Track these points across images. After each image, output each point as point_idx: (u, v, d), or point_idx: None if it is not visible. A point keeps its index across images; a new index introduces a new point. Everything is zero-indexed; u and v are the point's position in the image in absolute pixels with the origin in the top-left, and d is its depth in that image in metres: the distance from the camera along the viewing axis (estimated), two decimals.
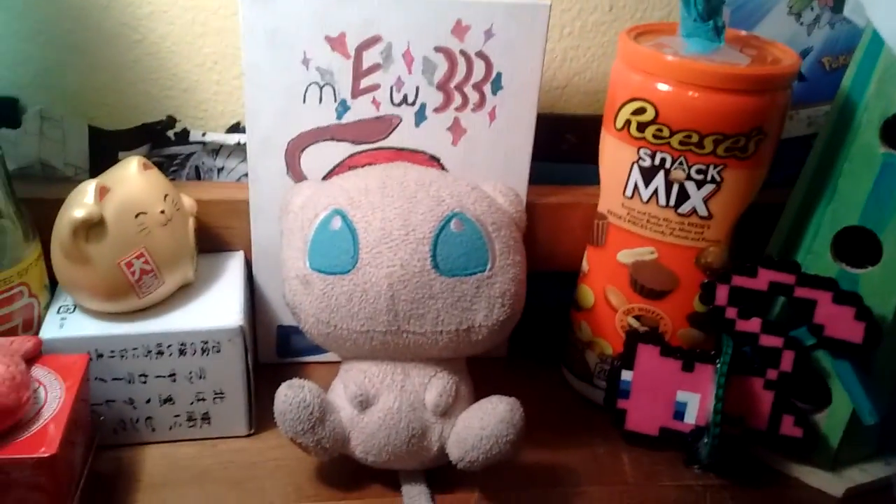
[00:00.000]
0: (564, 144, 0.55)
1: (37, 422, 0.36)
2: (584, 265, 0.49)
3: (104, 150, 0.45)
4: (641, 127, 0.42)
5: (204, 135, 0.51)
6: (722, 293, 0.44)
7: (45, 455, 0.34)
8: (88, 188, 0.39)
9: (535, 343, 0.55)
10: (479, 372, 0.44)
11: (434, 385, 0.42)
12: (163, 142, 0.51)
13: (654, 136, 0.42)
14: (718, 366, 0.44)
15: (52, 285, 0.44)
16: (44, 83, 0.48)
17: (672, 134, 0.41)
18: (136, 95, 0.50)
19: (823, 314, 0.43)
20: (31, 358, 0.39)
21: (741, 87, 0.39)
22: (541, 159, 0.54)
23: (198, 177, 0.52)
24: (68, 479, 0.37)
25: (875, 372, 0.44)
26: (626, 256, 0.46)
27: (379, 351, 0.41)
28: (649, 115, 0.41)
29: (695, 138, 0.41)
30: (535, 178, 0.53)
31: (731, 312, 0.44)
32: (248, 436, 0.46)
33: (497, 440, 0.40)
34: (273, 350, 0.52)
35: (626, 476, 0.46)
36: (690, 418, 0.46)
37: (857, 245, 0.43)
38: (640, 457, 0.48)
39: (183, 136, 0.51)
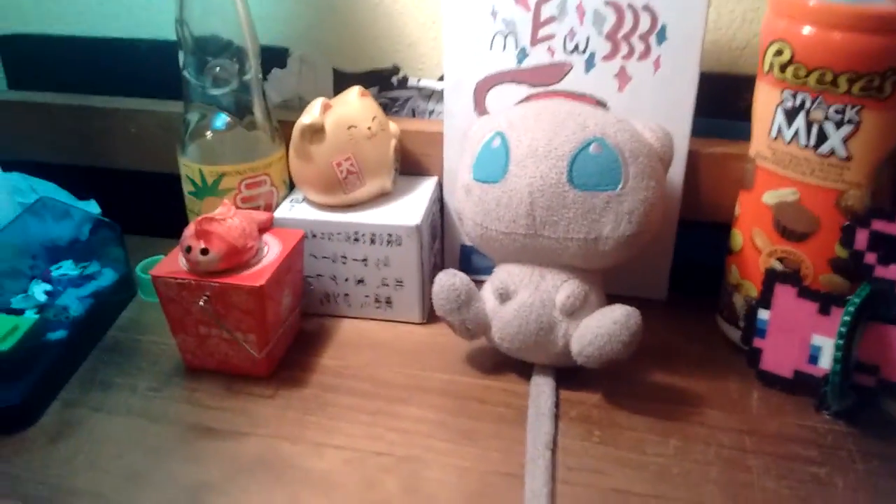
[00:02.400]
0: (742, 103, 0.57)
1: (257, 266, 0.48)
2: (737, 209, 0.52)
3: (344, 88, 0.58)
4: (783, 68, 0.44)
5: (419, 81, 0.62)
6: (861, 237, 0.45)
7: (256, 285, 0.46)
8: (316, 103, 0.52)
9: (697, 290, 0.58)
10: (637, 309, 0.47)
11: (564, 288, 0.48)
12: (388, 86, 0.63)
13: (794, 77, 0.44)
14: (846, 308, 0.44)
15: (292, 186, 0.58)
16: (306, 36, 0.63)
17: (808, 73, 0.43)
18: (372, 48, 0.62)
19: None
20: (265, 228, 0.52)
21: (870, 27, 0.40)
22: (719, 116, 0.58)
23: (413, 116, 0.64)
24: (275, 316, 0.49)
25: None
26: (770, 197, 0.48)
27: (521, 253, 0.48)
28: (787, 55, 0.44)
29: (829, 77, 0.42)
30: (713, 133, 0.56)
31: (870, 257, 0.45)
32: (421, 324, 0.56)
33: (610, 338, 0.45)
34: (456, 266, 0.61)
35: (752, 409, 0.48)
36: (825, 363, 0.47)
37: None
38: (771, 396, 0.49)
39: (403, 82, 0.62)
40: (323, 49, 0.63)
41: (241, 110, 0.54)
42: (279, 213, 0.55)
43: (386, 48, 0.62)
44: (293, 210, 0.55)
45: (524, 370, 0.50)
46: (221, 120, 0.53)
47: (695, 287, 0.58)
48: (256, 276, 0.47)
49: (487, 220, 0.48)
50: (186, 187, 0.55)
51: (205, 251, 0.46)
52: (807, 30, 0.43)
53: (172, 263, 0.49)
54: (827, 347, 0.47)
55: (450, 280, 0.48)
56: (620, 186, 0.46)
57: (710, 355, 0.53)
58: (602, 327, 0.45)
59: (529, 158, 0.47)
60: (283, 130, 0.56)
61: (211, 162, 0.53)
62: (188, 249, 0.47)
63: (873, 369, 0.45)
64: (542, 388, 0.48)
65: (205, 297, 0.47)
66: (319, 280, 0.56)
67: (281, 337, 0.51)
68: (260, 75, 0.54)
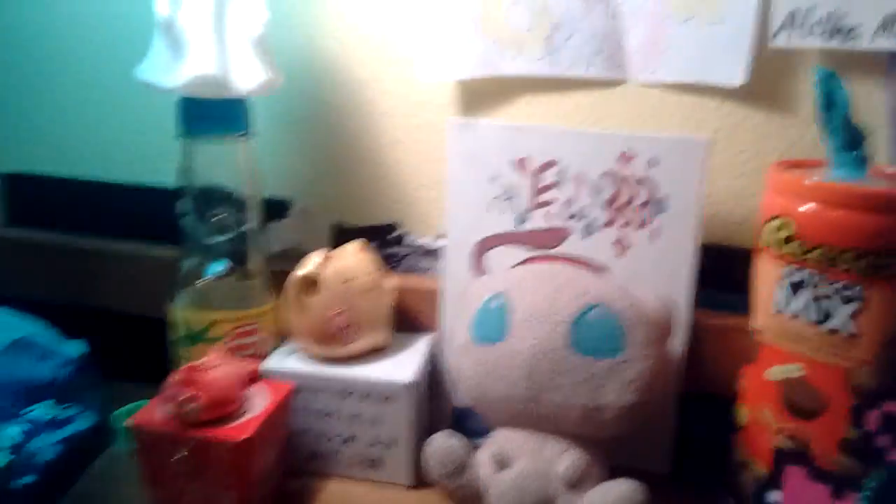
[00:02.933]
0: (741, 275, 0.58)
1: (242, 418, 0.46)
2: (741, 383, 0.51)
3: (343, 241, 0.58)
4: (783, 242, 0.45)
5: (416, 239, 0.62)
6: (872, 418, 0.44)
7: (240, 439, 0.44)
8: (315, 255, 0.52)
9: (702, 466, 0.56)
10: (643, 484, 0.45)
11: (566, 457, 0.46)
12: (386, 242, 0.63)
13: (795, 253, 0.44)
14: (862, 493, 0.42)
15: (284, 338, 0.56)
16: (309, 189, 0.64)
17: (810, 250, 0.44)
18: (373, 205, 0.63)
19: None
20: (253, 378, 0.50)
21: (871, 205, 0.42)
22: (720, 288, 0.58)
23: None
24: (259, 474, 0.46)
25: None
26: (775, 373, 0.47)
27: (519, 418, 0.47)
28: (789, 230, 0.44)
29: (832, 254, 0.43)
30: (715, 305, 0.56)
31: (882, 440, 0.43)
32: (410, 488, 0.53)
33: None
34: (448, 427, 0.59)
35: None
36: None
37: None
38: None
39: (400, 239, 0.63)
40: (325, 202, 0.64)
41: (236, 259, 0.53)
42: (269, 364, 0.53)
43: (387, 206, 0.63)
44: (284, 361, 0.53)
45: None
46: (217, 267, 0.53)
47: (699, 463, 0.56)
48: (241, 429, 0.45)
49: (486, 381, 0.47)
50: (174, 333, 0.54)
51: (189, 400, 0.44)
52: (804, 206, 0.44)
53: (153, 412, 0.46)
54: None
55: (446, 442, 0.46)
56: (622, 354, 0.45)
57: None
58: (607, 503, 0.43)
59: (530, 321, 0.46)
60: (277, 280, 0.55)
61: (202, 308, 0.52)
62: (171, 397, 0.45)
63: None
64: None
65: (184, 451, 0.44)
66: (307, 436, 0.53)
67: (262, 497, 0.47)
68: (259, 227, 0.54)
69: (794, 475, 0.46)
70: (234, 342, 0.53)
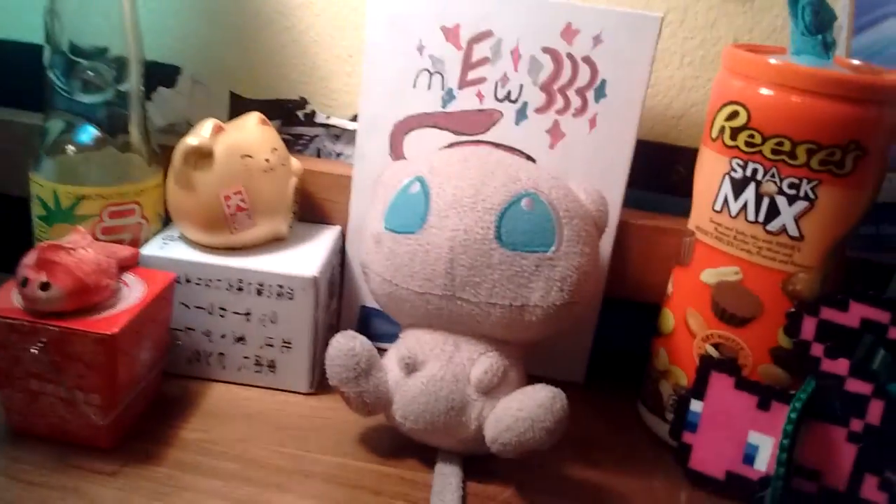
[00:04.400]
0: (675, 176, 0.54)
1: (111, 310, 0.39)
2: (669, 287, 0.47)
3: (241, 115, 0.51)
4: (734, 134, 0.41)
5: (328, 118, 0.55)
6: (808, 326, 0.41)
7: (107, 333, 0.37)
8: (207, 123, 0.44)
9: (617, 373, 0.53)
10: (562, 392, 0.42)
11: (481, 362, 0.41)
12: (292, 120, 0.56)
13: (747, 144, 0.40)
14: (792, 405, 0.40)
15: (168, 223, 0.49)
16: (203, 55, 0.55)
17: (764, 140, 0.39)
18: (278, 77, 0.55)
19: None
20: (128, 266, 0.43)
21: (837, 93, 0.37)
22: (649, 188, 0.54)
23: (318, 157, 0.57)
24: (129, 375, 0.40)
25: None
26: (709, 276, 0.44)
27: (434, 318, 0.42)
28: (742, 119, 0.40)
29: (787, 146, 0.39)
30: (642, 205, 0.52)
31: (816, 349, 0.41)
32: (309, 394, 0.48)
33: (532, 423, 0.39)
34: (354, 328, 0.53)
35: None
36: (761, 465, 0.42)
37: None
38: (701, 499, 0.44)
39: (310, 118, 0.56)
40: (220, 71, 0.55)
41: (113, 126, 0.45)
42: (148, 250, 0.46)
43: (294, 78, 0.55)
44: (166, 248, 0.46)
45: (427, 456, 0.43)
46: (88, 133, 0.45)
47: (614, 371, 0.53)
48: (109, 322, 0.38)
49: (398, 276, 0.41)
50: (36, 210, 0.46)
51: (45, 285, 0.37)
52: (766, 92, 0.39)
53: (4, 299, 0.39)
54: (764, 447, 0.42)
55: (348, 343, 0.41)
56: (553, 249, 0.40)
57: (634, 448, 0.47)
58: (523, 410, 0.39)
59: (452, 209, 0.40)
60: (163, 156, 0.48)
61: (69, 181, 0.44)
62: (24, 282, 0.37)
63: (814, 475, 0.41)
64: (447, 479, 0.41)
65: (40, 344, 0.38)
66: (190, 334, 0.47)
67: (133, 401, 0.41)
68: (142, 89, 0.46)
69: (720, 384, 0.43)
70: (107, 223, 0.45)
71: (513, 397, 0.40)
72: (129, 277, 0.42)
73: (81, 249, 0.39)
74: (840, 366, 0.40)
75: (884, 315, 0.39)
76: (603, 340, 0.52)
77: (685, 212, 0.47)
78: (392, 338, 0.52)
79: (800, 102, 0.38)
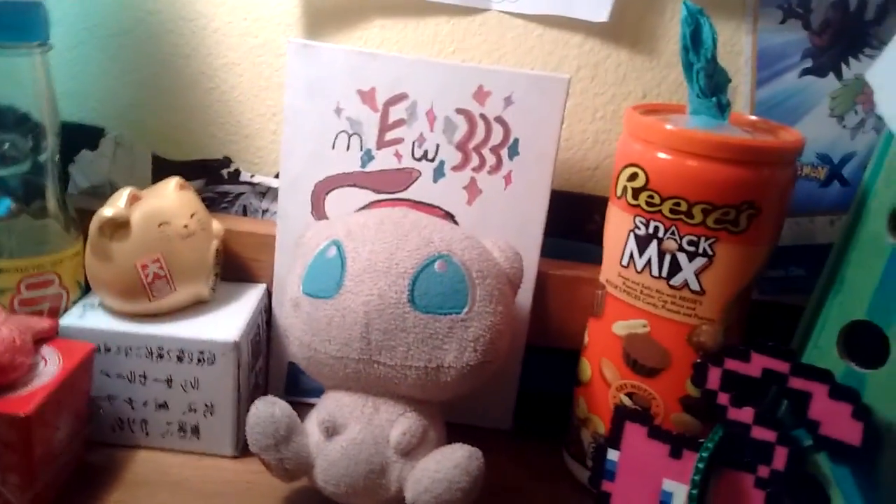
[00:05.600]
0: (592, 225, 0.55)
1: (27, 387, 0.39)
2: (585, 337, 0.49)
3: (165, 177, 0.51)
4: (636, 194, 0.42)
5: (252, 176, 0.56)
6: (714, 376, 0.42)
7: (20, 415, 0.37)
8: (123, 193, 0.45)
9: (543, 421, 0.54)
10: (479, 440, 0.42)
11: (400, 423, 0.42)
12: (217, 179, 0.56)
13: (647, 203, 0.42)
14: (699, 454, 0.41)
15: (88, 290, 0.49)
16: (126, 117, 0.55)
17: (662, 201, 0.41)
18: (203, 136, 0.56)
19: (819, 409, 0.40)
20: (45, 338, 0.43)
21: (729, 157, 0.39)
22: (568, 237, 0.55)
23: (245, 215, 0.57)
24: (47, 451, 0.40)
25: (881, 483, 0.40)
26: (620, 328, 0.45)
27: (353, 381, 0.42)
28: (641, 180, 0.42)
29: (683, 206, 0.41)
30: (561, 254, 0.54)
31: (722, 398, 0.42)
32: (234, 458, 0.48)
33: (449, 485, 0.39)
34: (282, 387, 0.54)
35: None
36: None
37: (867, 343, 0.41)
38: None
39: (234, 176, 0.56)
40: (144, 132, 0.56)
41: (29, 195, 0.45)
42: (67, 321, 0.45)
43: (219, 137, 0.56)
44: (85, 317, 0.46)
45: None
46: (3, 205, 0.44)
47: (541, 417, 0.54)
48: (23, 401, 0.38)
49: (316, 340, 0.42)
50: None
51: None
52: (662, 156, 0.41)
53: None
54: (678, 494, 0.43)
55: (267, 410, 0.41)
56: (466, 310, 0.41)
57: (559, 496, 0.48)
58: (440, 472, 0.40)
59: (367, 273, 0.41)
60: (82, 222, 0.48)
61: None
62: None
63: None
64: None
65: None
66: (112, 402, 0.46)
67: (54, 475, 0.41)
68: (57, 157, 0.46)
69: (634, 434, 0.44)
70: (25, 294, 0.45)
71: (431, 458, 0.41)
72: (46, 350, 0.42)
73: None
74: (745, 414, 0.42)
75: (783, 365, 0.40)
76: (529, 385, 0.53)
77: (601, 259, 0.48)
78: (321, 393, 0.53)
79: (695, 166, 0.40)
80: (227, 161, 0.56)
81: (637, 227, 0.43)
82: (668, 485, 0.44)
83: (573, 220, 0.55)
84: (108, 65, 0.55)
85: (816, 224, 0.54)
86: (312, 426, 0.43)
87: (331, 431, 0.42)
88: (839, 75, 0.52)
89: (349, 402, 0.42)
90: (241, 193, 0.57)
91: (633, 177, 0.42)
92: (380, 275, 0.41)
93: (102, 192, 0.56)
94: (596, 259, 0.52)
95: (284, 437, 0.41)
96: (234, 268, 0.53)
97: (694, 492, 0.41)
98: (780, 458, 0.41)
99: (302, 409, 0.52)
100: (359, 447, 0.41)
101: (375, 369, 0.41)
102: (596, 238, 0.55)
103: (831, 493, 0.41)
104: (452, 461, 0.40)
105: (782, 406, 0.43)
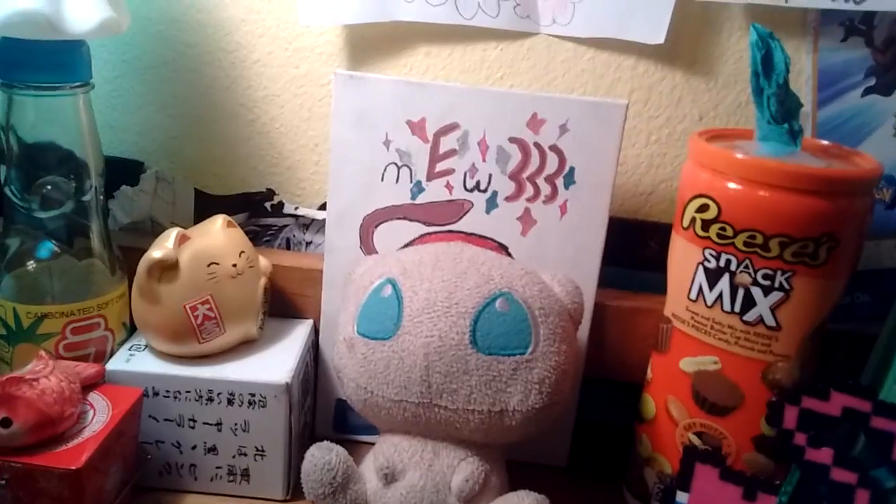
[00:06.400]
0: (647, 251, 0.53)
1: (76, 439, 0.38)
2: (648, 373, 0.47)
3: (208, 211, 0.50)
4: (706, 225, 0.40)
5: (296, 209, 0.54)
6: (790, 415, 0.40)
7: (71, 469, 0.36)
8: (171, 234, 0.43)
9: (600, 456, 0.52)
10: (535, 478, 0.41)
11: (462, 469, 0.40)
12: (260, 212, 0.55)
13: (719, 236, 0.40)
14: (779, 497, 0.39)
15: (133, 329, 0.48)
16: (166, 150, 0.54)
17: (736, 234, 0.39)
18: (244, 169, 0.54)
19: None
20: (93, 384, 0.42)
21: (807, 188, 0.37)
22: (621, 265, 0.53)
23: (288, 248, 0.56)
24: (95, 499, 0.39)
25: None
26: (688, 365, 0.43)
27: (411, 424, 0.41)
28: (712, 212, 0.40)
29: (759, 239, 0.39)
30: (615, 282, 0.52)
31: (799, 438, 0.40)
32: (284, 501, 0.46)
33: None
34: (330, 424, 0.52)
35: None
36: None
37: None
38: None
39: (278, 208, 0.55)
40: (184, 166, 0.55)
41: (72, 235, 0.44)
42: (113, 365, 0.44)
43: (260, 170, 0.55)
44: (132, 361, 0.45)
45: None
46: (47, 248, 0.43)
47: (598, 452, 0.52)
48: (73, 454, 0.37)
49: (373, 383, 0.40)
50: None
51: (6, 422, 0.36)
52: (730, 185, 0.39)
53: None
54: None
55: (324, 458, 0.40)
56: (530, 351, 0.40)
57: None
58: None
59: (426, 314, 0.40)
60: (127, 259, 0.46)
61: (30, 300, 0.43)
62: None
63: None
64: None
65: (2, 481, 0.36)
66: (160, 447, 0.45)
67: None
68: (101, 196, 0.45)
69: (704, 475, 0.42)
70: (70, 339, 0.44)
71: None
72: (94, 397, 0.41)
73: (44, 378, 0.38)
74: (824, 454, 0.40)
75: (864, 404, 0.38)
76: (584, 419, 0.51)
77: (657, 286, 0.46)
78: (370, 430, 0.51)
79: (770, 197, 0.38)
80: (270, 193, 0.55)
81: (707, 259, 0.41)
82: None
83: (628, 247, 0.53)
84: (148, 97, 0.54)
85: (882, 248, 0.52)
86: (370, 472, 0.41)
87: (389, 478, 0.40)
88: None
89: (408, 447, 0.41)
90: (285, 226, 0.55)
91: (703, 208, 0.40)
92: (439, 315, 0.39)
93: (144, 229, 0.55)
94: (651, 287, 0.51)
95: (342, 484, 0.40)
96: (280, 303, 0.51)
97: None
98: (862, 500, 0.39)
99: (352, 446, 0.51)
100: (419, 495, 0.39)
101: (436, 413, 0.40)
102: (651, 265, 0.53)
103: None
104: None
105: (858, 444, 0.41)
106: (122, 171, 0.54)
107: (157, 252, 0.42)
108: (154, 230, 0.54)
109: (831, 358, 0.43)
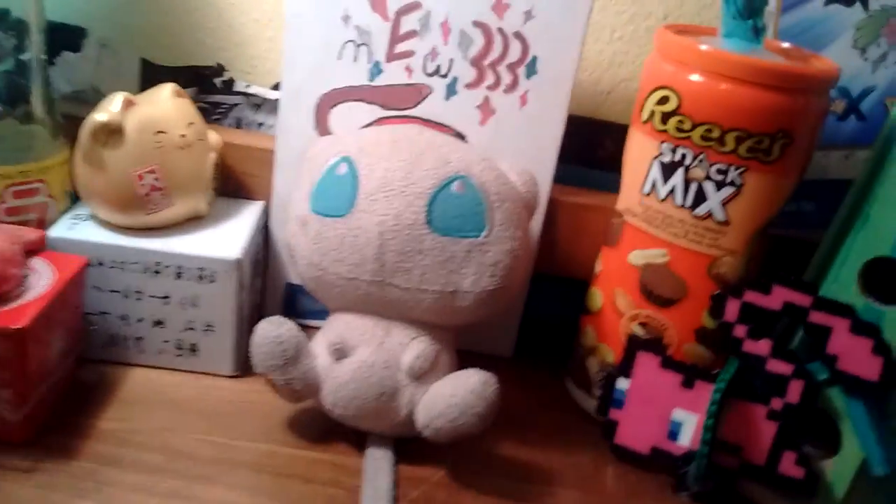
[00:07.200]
0: (602, 151, 0.54)
1: (18, 300, 0.37)
2: (597, 266, 0.48)
3: (154, 83, 0.47)
4: (665, 118, 0.41)
5: (248, 87, 0.53)
6: (732, 308, 0.42)
7: (15, 327, 0.35)
8: (117, 98, 0.41)
9: (546, 349, 0.53)
10: (480, 366, 0.41)
11: (413, 347, 0.41)
12: (209, 88, 0.53)
13: (677, 129, 0.40)
14: (716, 384, 0.41)
15: (76, 199, 0.46)
16: (111, 18, 0.51)
17: (694, 127, 0.40)
18: (193, 42, 0.52)
19: (838, 344, 0.39)
20: (34, 249, 0.41)
21: (768, 82, 0.38)
22: (577, 163, 0.54)
23: (238, 128, 0.54)
24: (41, 366, 0.38)
25: (892, 417, 0.40)
26: (637, 258, 0.44)
27: (364, 303, 0.41)
28: (672, 104, 0.40)
29: (716, 133, 0.39)
30: (569, 181, 0.52)
31: (739, 330, 0.42)
32: (233, 377, 0.46)
33: (464, 410, 0.38)
34: (279, 308, 0.52)
35: (606, 488, 0.44)
36: (685, 440, 0.43)
37: (887, 279, 0.40)
38: (627, 474, 0.45)
39: (228, 86, 0.53)
40: (130, 35, 0.52)
41: (14, 98, 0.42)
42: (56, 232, 0.43)
43: (210, 43, 0.52)
44: (75, 229, 0.43)
45: (357, 439, 0.42)
46: None
47: (542, 344, 0.54)
48: (16, 314, 0.36)
49: (326, 260, 0.40)
50: None
51: None
52: (692, 77, 0.39)
53: None
54: (688, 424, 0.43)
55: (275, 331, 0.40)
56: (485, 234, 0.40)
57: (562, 424, 0.48)
58: (455, 396, 0.39)
59: (381, 192, 0.39)
60: (69, 127, 0.44)
61: None
62: None
63: (735, 450, 0.42)
64: (379, 464, 0.41)
65: None
66: (105, 318, 0.44)
67: (47, 392, 0.39)
68: (44, 56, 0.43)
69: (646, 363, 0.44)
70: (10, 203, 0.42)
71: (445, 383, 0.40)
72: (36, 262, 0.40)
73: None
74: (762, 346, 0.41)
75: (805, 299, 0.40)
76: (532, 314, 0.52)
77: (611, 186, 0.47)
78: (320, 315, 0.51)
79: (729, 90, 0.38)
80: (220, 69, 0.53)
81: (663, 153, 0.41)
82: (678, 414, 0.43)
83: (583, 146, 0.53)
84: None
85: (831, 158, 0.53)
86: (320, 348, 0.41)
87: (340, 354, 0.40)
88: (865, 5, 0.50)
89: (359, 325, 0.41)
90: (236, 105, 0.53)
91: (663, 100, 0.40)
92: (395, 194, 0.39)
93: (86, 98, 0.52)
94: (605, 186, 0.51)
95: (292, 357, 0.40)
96: (230, 183, 0.50)
97: (710, 422, 0.41)
98: (795, 391, 0.41)
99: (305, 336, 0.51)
100: (370, 370, 0.40)
101: (389, 292, 0.40)
102: (606, 165, 0.54)
103: (842, 427, 0.41)
104: (468, 386, 0.39)
105: (795, 339, 0.43)
106: (63, 38, 0.51)
107: (102, 115, 0.41)
108: (97, 99, 0.51)
109: (775, 263, 0.44)
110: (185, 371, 0.46)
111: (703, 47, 0.39)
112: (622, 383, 0.44)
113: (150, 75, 0.52)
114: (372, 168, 0.40)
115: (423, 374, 0.40)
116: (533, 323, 0.53)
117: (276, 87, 0.53)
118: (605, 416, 0.45)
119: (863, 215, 0.41)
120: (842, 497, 0.41)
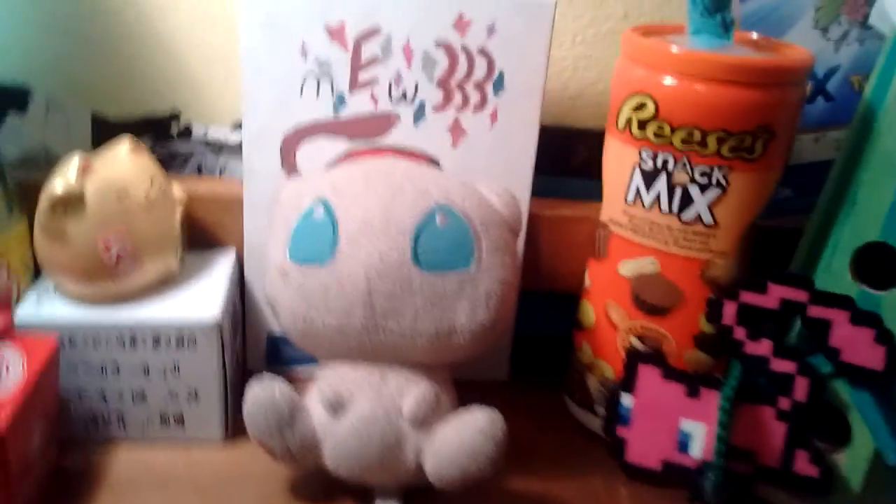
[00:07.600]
0: (575, 158, 0.53)
1: None
2: (586, 280, 0.47)
3: (107, 138, 0.45)
4: (642, 125, 0.40)
5: (206, 131, 0.50)
6: (729, 311, 0.41)
7: None
8: (71, 163, 0.39)
9: (540, 367, 0.52)
10: (478, 394, 0.40)
11: (412, 392, 0.39)
12: (165, 136, 0.51)
13: (656, 135, 0.39)
14: (723, 391, 0.40)
15: (39, 273, 0.43)
16: (55, 72, 0.49)
17: (673, 131, 0.39)
18: (144, 90, 0.50)
19: (839, 336, 0.39)
20: (1, 336, 0.38)
21: (745, 80, 0.37)
22: (550, 173, 0.52)
23: (199, 173, 0.52)
24: (23, 465, 0.36)
25: None
26: (627, 268, 0.43)
27: (356, 351, 0.39)
28: (649, 110, 0.39)
29: (697, 136, 0.38)
30: (544, 192, 0.51)
31: (739, 333, 0.41)
32: (224, 442, 0.44)
33: (475, 454, 0.37)
34: (262, 358, 0.50)
35: None
36: (696, 451, 0.42)
37: (880, 264, 0.40)
38: (641, 493, 0.44)
39: (186, 132, 0.51)
40: (78, 90, 0.49)
41: None
42: (23, 313, 0.40)
43: (162, 90, 0.50)
44: (42, 306, 0.41)
45: (364, 496, 0.40)
46: None
47: (537, 362, 0.52)
48: None
49: (312, 311, 0.38)
50: None
51: None
52: (667, 81, 0.38)
53: None
54: (697, 433, 0.42)
55: (268, 396, 0.38)
56: (474, 265, 0.38)
57: (566, 446, 0.47)
58: (465, 442, 0.37)
59: (363, 234, 0.37)
60: (24, 194, 0.42)
61: None
62: None
63: (749, 455, 0.42)
64: None
65: None
66: (82, 399, 0.42)
67: (32, 487, 0.37)
68: None
69: (648, 376, 0.43)
70: None
71: (449, 427, 0.38)
72: (4, 350, 0.37)
73: None
74: (763, 347, 0.41)
75: (801, 294, 0.39)
76: (522, 332, 0.51)
77: (589, 194, 0.46)
78: (305, 361, 0.49)
79: (706, 90, 0.37)
80: (175, 114, 0.50)
81: (643, 160, 0.40)
82: (686, 424, 0.42)
83: (557, 155, 0.52)
84: (32, 15, 0.47)
85: (801, 142, 0.52)
86: (314, 404, 0.39)
87: (337, 408, 0.38)
88: None
89: (353, 375, 0.39)
90: (193, 153, 0.51)
91: (639, 107, 0.39)
92: (378, 234, 0.37)
93: (37, 161, 0.49)
94: (583, 194, 0.50)
95: (288, 421, 0.38)
96: (198, 235, 0.48)
97: (723, 432, 0.40)
98: (801, 388, 0.40)
99: (288, 380, 0.49)
100: (370, 423, 0.38)
101: (382, 337, 0.38)
102: (582, 173, 0.53)
103: (851, 419, 0.40)
104: (474, 428, 0.37)
105: (792, 334, 0.42)
106: (7, 100, 0.48)
107: (58, 186, 0.38)
108: (49, 161, 0.49)
109: (759, 255, 0.43)
110: (173, 441, 0.44)
111: (675, 49, 0.38)
112: (626, 399, 0.43)
113: (103, 130, 0.50)
114: (349, 208, 0.38)
115: (426, 420, 0.39)
116: (524, 342, 0.52)
117: (238, 126, 0.50)
118: (611, 436, 0.44)
119: (849, 200, 0.41)
120: (859, 490, 0.41)
